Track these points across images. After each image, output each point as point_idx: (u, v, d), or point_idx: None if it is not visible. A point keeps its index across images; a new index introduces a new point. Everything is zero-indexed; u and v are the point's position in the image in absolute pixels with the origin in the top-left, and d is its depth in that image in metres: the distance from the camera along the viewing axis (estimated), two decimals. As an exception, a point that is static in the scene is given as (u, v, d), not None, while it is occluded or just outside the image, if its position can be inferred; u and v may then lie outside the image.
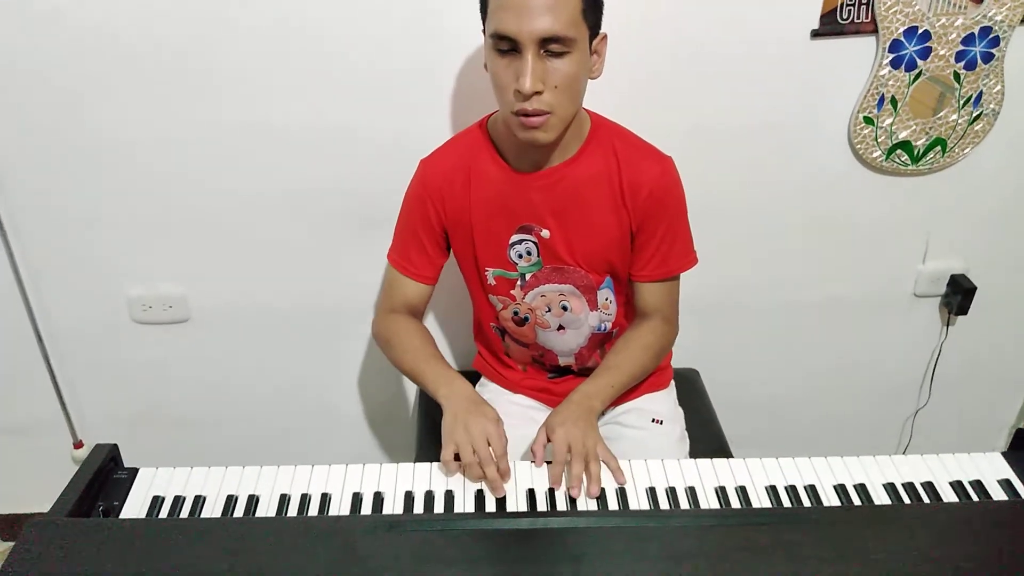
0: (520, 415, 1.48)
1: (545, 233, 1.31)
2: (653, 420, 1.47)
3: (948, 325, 1.89)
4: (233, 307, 1.73)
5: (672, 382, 1.58)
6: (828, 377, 1.96)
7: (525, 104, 1.14)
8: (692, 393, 1.70)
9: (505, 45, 1.12)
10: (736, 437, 1.60)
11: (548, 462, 1.19)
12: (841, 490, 1.16)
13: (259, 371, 1.83)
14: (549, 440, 1.20)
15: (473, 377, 1.61)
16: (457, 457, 1.17)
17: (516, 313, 1.40)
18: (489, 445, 1.16)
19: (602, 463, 1.17)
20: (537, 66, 1.12)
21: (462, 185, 1.31)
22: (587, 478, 1.15)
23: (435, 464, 1.20)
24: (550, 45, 1.11)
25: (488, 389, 1.57)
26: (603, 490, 1.15)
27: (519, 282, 1.37)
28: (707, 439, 1.58)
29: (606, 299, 1.39)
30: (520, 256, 1.34)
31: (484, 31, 1.18)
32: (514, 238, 1.33)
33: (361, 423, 1.95)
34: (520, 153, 1.28)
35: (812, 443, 2.03)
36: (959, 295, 1.80)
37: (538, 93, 1.13)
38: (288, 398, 1.89)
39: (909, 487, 1.17)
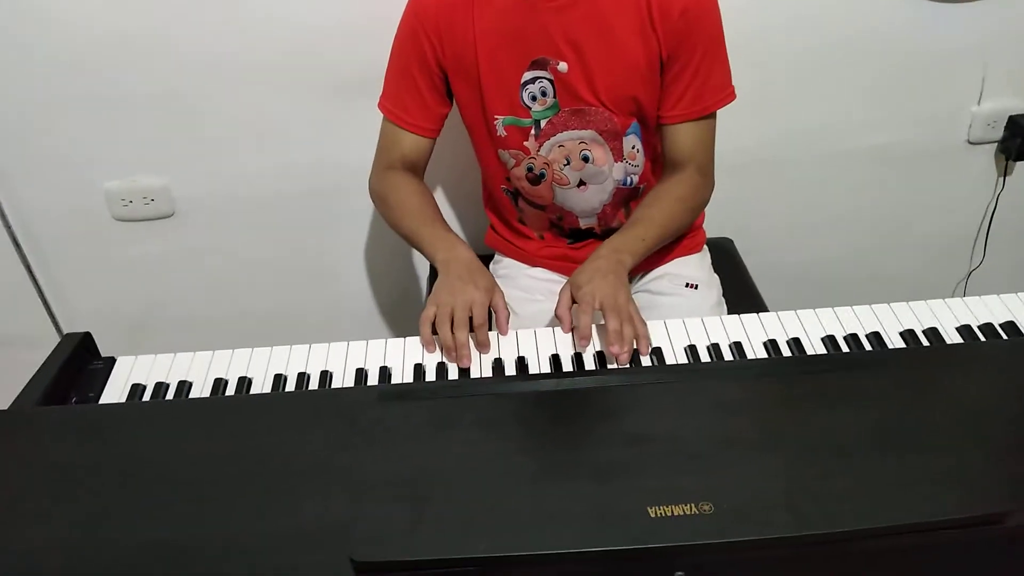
0: (540, 289, 1.35)
1: (562, 67, 1.15)
2: (687, 285, 1.34)
3: (1006, 175, 1.72)
4: (219, 195, 1.59)
5: (705, 246, 1.44)
6: (872, 238, 1.81)
7: None
8: (727, 262, 1.56)
9: None
10: (777, 307, 1.46)
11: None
12: (910, 336, 1.02)
13: (256, 261, 1.70)
14: (575, 301, 1.06)
15: (487, 257, 1.48)
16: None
17: (531, 169, 1.25)
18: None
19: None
20: None
21: (463, 14, 1.14)
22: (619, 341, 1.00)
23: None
24: None
25: (503, 265, 1.43)
26: (636, 352, 1.02)
27: (533, 131, 1.21)
28: (746, 308, 1.44)
29: (632, 147, 1.23)
30: (534, 98, 1.18)
31: None
32: (527, 76, 1.17)
33: (370, 306, 1.83)
34: None
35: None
36: (1019, 138, 1.63)
37: None
38: (291, 287, 1.76)
39: (987, 328, 1.03)
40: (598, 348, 1.03)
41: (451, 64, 1.18)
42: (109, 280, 1.69)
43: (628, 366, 0.99)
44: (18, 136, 1.49)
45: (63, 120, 1.47)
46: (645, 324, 1.04)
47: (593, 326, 1.04)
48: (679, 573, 0.72)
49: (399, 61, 1.21)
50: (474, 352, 1.03)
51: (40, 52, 1.40)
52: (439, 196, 1.64)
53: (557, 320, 1.07)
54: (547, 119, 1.20)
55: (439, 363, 1.03)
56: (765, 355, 1.01)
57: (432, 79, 1.20)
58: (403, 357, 1.04)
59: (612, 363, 1.00)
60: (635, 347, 1.01)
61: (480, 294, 1.06)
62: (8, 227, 1.58)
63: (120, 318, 1.75)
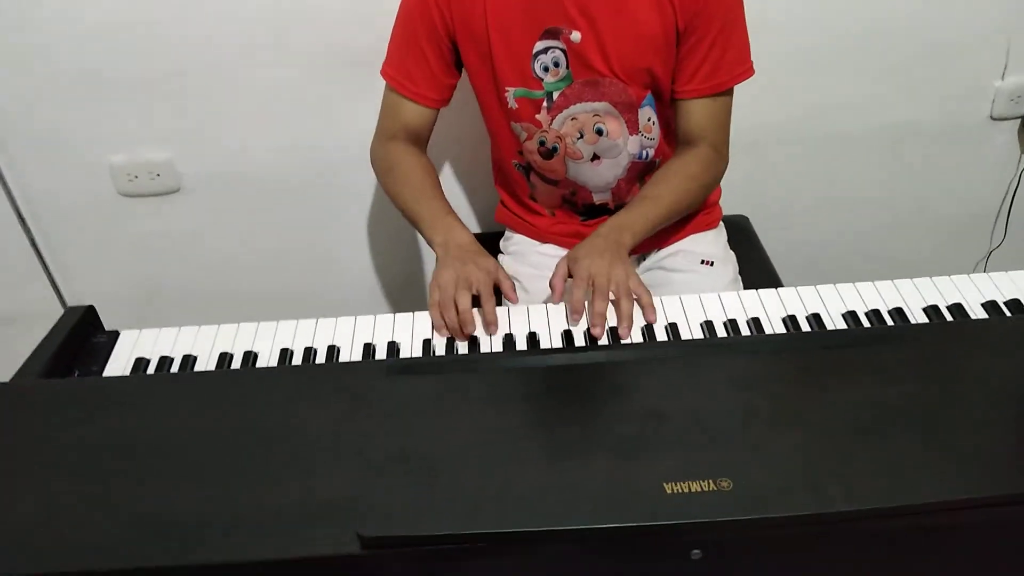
0: (550, 266, 1.28)
1: (575, 36, 1.11)
2: (703, 262, 1.31)
3: (1029, 151, 1.68)
4: (226, 171, 1.56)
5: (721, 223, 1.41)
6: (891, 216, 1.77)
7: None
8: (744, 240, 1.52)
9: None
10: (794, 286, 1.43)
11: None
12: (934, 312, 0.99)
13: (262, 239, 1.67)
14: (571, 275, 1.04)
15: (496, 234, 1.46)
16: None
17: (543, 143, 1.22)
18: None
19: (634, 300, 1.01)
20: None
21: None
22: (617, 317, 0.99)
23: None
24: None
25: (513, 241, 1.40)
26: (651, 326, 1.00)
27: (545, 103, 1.17)
28: (763, 287, 1.40)
29: (648, 119, 1.20)
30: (546, 69, 1.15)
31: None
32: (539, 46, 1.13)
33: (375, 288, 1.80)
34: None
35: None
36: (1043, 114, 1.59)
37: None
38: (297, 265, 1.73)
39: (1014, 304, 1.00)
40: (612, 324, 1.01)
41: (461, 33, 1.15)
42: (115, 257, 1.67)
43: (642, 341, 0.97)
44: (21, 112, 1.46)
45: (66, 96, 1.45)
46: (649, 293, 1.02)
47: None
48: (695, 551, 0.70)
49: (405, 29, 1.18)
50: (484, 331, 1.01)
51: (44, 27, 1.37)
52: (448, 171, 1.62)
53: (550, 289, 1.06)
54: (559, 91, 1.16)
55: (448, 338, 1.01)
56: (784, 331, 0.98)
57: (440, 48, 1.17)
58: (412, 332, 1.02)
59: (627, 339, 0.98)
60: (645, 320, 1.00)
61: (482, 273, 1.04)
62: (13, 203, 1.56)
63: (126, 295, 1.73)
